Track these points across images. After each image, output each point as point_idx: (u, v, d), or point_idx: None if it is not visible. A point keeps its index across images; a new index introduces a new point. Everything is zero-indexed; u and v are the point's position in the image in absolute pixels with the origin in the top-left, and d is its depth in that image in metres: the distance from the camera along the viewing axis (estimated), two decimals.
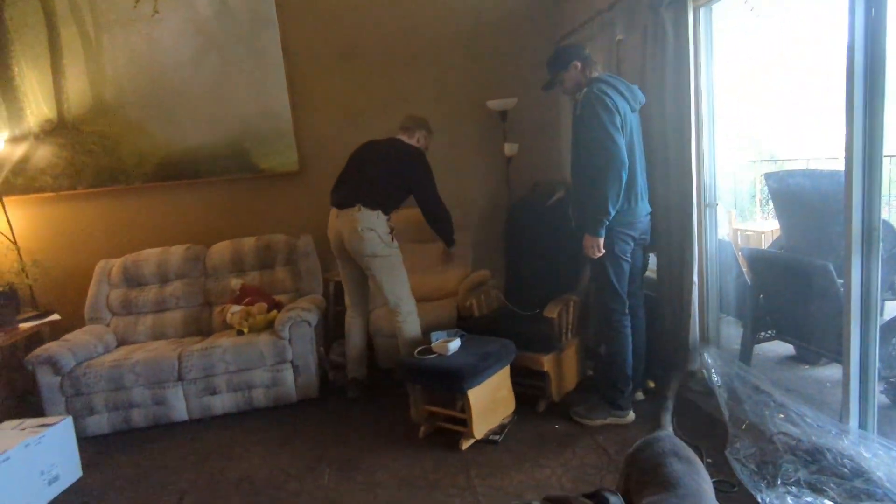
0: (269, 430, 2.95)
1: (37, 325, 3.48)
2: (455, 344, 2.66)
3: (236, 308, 3.30)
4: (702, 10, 2.61)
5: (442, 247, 3.24)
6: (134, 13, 3.66)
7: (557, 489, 2.20)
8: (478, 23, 3.96)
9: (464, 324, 3.13)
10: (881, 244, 1.89)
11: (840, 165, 1.95)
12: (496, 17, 3.95)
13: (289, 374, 3.13)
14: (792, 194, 2.81)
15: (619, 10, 2.98)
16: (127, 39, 3.69)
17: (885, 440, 1.89)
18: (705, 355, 2.66)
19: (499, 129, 3.89)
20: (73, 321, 3.56)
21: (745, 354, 2.83)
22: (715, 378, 2.52)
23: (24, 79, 3.65)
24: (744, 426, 2.25)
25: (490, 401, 2.63)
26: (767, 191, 3.03)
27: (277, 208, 3.97)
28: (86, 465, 2.69)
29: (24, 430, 2.50)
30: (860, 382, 1.98)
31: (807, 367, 2.90)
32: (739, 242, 3.63)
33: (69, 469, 2.60)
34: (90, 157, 3.77)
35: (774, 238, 3.26)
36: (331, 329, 3.61)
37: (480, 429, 2.57)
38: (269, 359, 3.09)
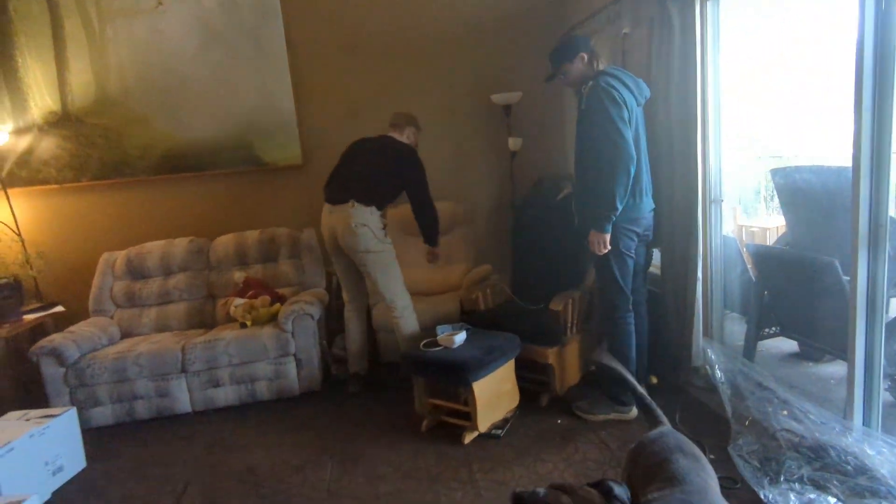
0: (272, 422, 2.96)
1: (41, 317, 3.49)
2: (461, 337, 2.67)
3: (240, 301, 3.31)
4: (709, 4, 2.58)
5: (427, 247, 3.21)
6: (138, 5, 3.66)
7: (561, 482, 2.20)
8: (482, 16, 3.93)
9: (468, 318, 3.14)
10: (888, 241, 1.87)
11: (847, 162, 1.93)
12: (501, 10, 3.93)
13: (292, 368, 3.14)
14: (798, 190, 2.79)
15: (625, 3, 2.96)
16: (131, 31, 3.68)
17: (889, 437, 1.88)
18: (709, 351, 2.65)
19: (503, 123, 3.87)
20: (77, 313, 3.57)
21: (749, 351, 2.82)
22: (718, 374, 2.52)
23: (27, 70, 3.65)
24: (747, 422, 2.25)
25: (494, 394, 2.64)
26: (773, 187, 3.01)
27: (281, 201, 3.97)
28: (90, 456, 2.71)
29: (28, 420, 2.52)
30: (865, 379, 1.98)
31: (810, 364, 2.89)
32: (744, 238, 3.62)
33: (73, 460, 2.62)
34: (94, 150, 3.77)
35: (780, 234, 3.24)
36: (333, 323, 3.61)
37: (484, 422, 2.58)
38: (272, 352, 3.09)
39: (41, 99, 3.68)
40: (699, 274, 2.71)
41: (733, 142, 2.83)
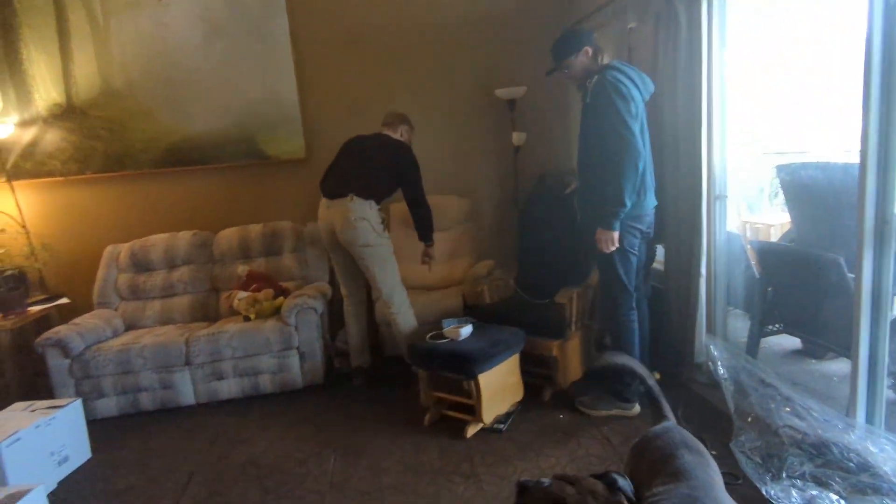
0: (275, 415, 2.98)
1: (46, 309, 3.51)
2: (467, 329, 2.68)
3: (243, 294, 3.32)
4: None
5: (423, 247, 3.21)
6: None
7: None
8: (487, 10, 3.92)
9: (472, 312, 3.15)
10: (894, 239, 1.86)
11: (853, 158, 1.92)
12: (506, 4, 3.91)
13: (295, 361, 3.15)
14: (804, 187, 2.78)
15: None
16: (135, 24, 3.68)
17: (892, 435, 1.88)
18: (711, 348, 2.65)
19: (507, 118, 3.86)
20: (82, 305, 3.59)
21: (752, 347, 2.82)
22: (721, 371, 2.51)
23: (32, 62, 3.65)
24: (749, 419, 2.25)
25: (499, 387, 2.65)
26: (779, 183, 2.99)
27: (284, 195, 3.97)
28: (95, 447, 2.73)
29: (34, 411, 2.54)
30: (868, 377, 1.97)
31: (814, 361, 2.89)
32: (749, 235, 3.61)
33: (79, 450, 2.64)
34: (98, 142, 3.78)
35: (784, 231, 3.23)
36: (336, 317, 3.62)
37: (489, 414, 2.59)
38: (275, 345, 3.10)
39: (46, 91, 3.68)
40: (703, 270, 2.70)
41: (738, 138, 2.82)
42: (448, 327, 2.72)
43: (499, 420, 2.65)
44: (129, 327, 3.47)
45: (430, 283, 3.66)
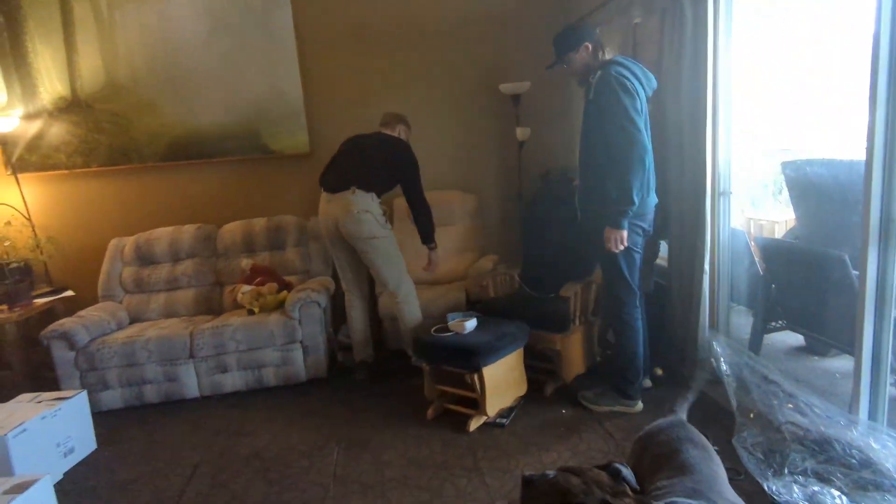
0: (279, 408, 2.99)
1: (51, 301, 3.53)
2: (472, 323, 2.69)
3: (247, 288, 3.33)
4: None
5: (426, 251, 3.20)
6: None
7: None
8: (492, 4, 3.90)
9: (475, 306, 3.16)
10: None
11: (859, 155, 1.91)
12: None
13: (298, 354, 3.17)
14: (809, 183, 2.77)
15: None
16: (139, 17, 3.68)
17: (894, 431, 1.88)
18: (714, 344, 2.65)
19: (511, 113, 3.85)
20: (87, 298, 3.61)
21: (755, 344, 2.82)
22: (724, 367, 2.51)
23: (37, 55, 3.65)
24: (751, 415, 2.25)
25: (503, 380, 2.66)
26: (784, 179, 2.99)
27: (288, 190, 3.97)
28: (100, 439, 2.75)
29: (40, 403, 2.56)
30: (871, 374, 1.98)
31: (817, 358, 2.89)
32: (753, 232, 3.60)
33: (84, 442, 2.66)
34: (103, 136, 3.79)
35: (789, 228, 3.23)
36: (340, 311, 3.63)
37: (492, 407, 2.60)
38: (278, 338, 3.12)
39: (51, 84, 3.69)
40: (706, 266, 2.70)
41: (743, 134, 2.81)
42: (453, 321, 2.73)
43: (502, 414, 2.67)
44: (134, 320, 3.49)
45: (434, 277, 3.66)
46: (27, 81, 3.68)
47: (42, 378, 3.34)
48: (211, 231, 3.72)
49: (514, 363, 2.72)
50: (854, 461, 1.87)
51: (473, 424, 2.58)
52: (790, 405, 2.18)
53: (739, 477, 2.04)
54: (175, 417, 2.98)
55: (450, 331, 2.70)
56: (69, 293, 3.68)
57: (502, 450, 2.42)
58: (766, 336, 2.85)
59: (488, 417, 2.61)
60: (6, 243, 3.63)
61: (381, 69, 3.93)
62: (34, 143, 3.74)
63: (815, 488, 1.85)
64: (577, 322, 2.92)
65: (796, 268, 2.73)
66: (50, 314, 3.47)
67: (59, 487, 2.36)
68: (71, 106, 3.72)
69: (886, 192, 1.85)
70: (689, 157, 2.70)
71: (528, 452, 2.38)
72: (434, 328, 2.77)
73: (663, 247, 3.07)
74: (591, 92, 2.43)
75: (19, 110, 3.70)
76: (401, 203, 3.76)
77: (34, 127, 3.72)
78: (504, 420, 2.63)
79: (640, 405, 2.64)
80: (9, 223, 3.66)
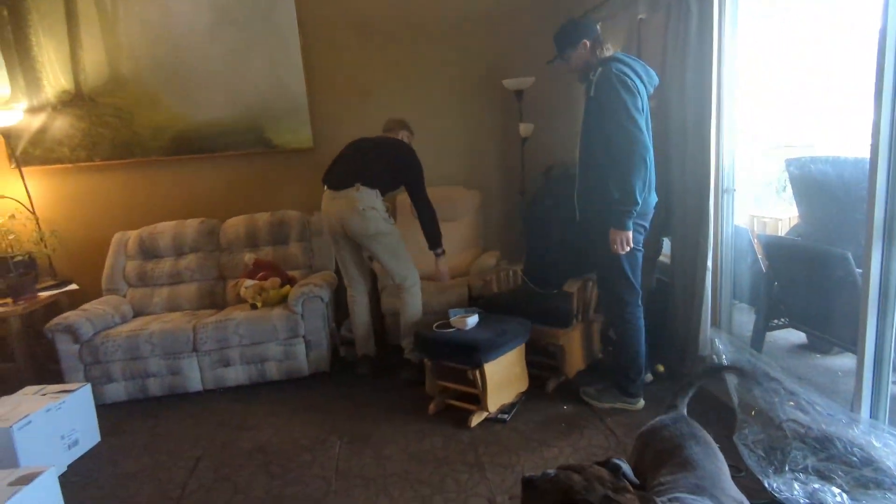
0: (282, 402, 3.01)
1: (55, 294, 3.55)
2: (473, 319, 2.69)
3: (250, 282, 3.34)
4: None
5: (434, 259, 3.20)
6: None
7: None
8: None
9: (479, 302, 3.16)
10: None
11: (864, 153, 1.91)
12: None
13: (301, 349, 3.18)
14: (813, 181, 2.76)
15: None
16: (143, 10, 3.67)
17: None
18: (716, 341, 2.66)
19: (515, 108, 3.84)
20: (90, 291, 3.63)
21: (757, 341, 2.82)
22: (725, 364, 2.52)
23: (41, 49, 3.66)
24: (753, 412, 2.25)
25: (505, 376, 2.66)
26: (788, 177, 2.98)
27: (291, 184, 3.98)
28: (104, 431, 2.77)
29: (45, 395, 2.57)
30: (874, 372, 1.97)
31: (819, 356, 2.89)
32: (756, 229, 3.59)
33: (88, 434, 2.68)
34: (107, 130, 3.79)
35: (792, 225, 3.22)
36: (342, 305, 3.64)
37: (494, 404, 2.61)
38: (281, 333, 3.13)
39: (54, 78, 3.69)
40: (709, 264, 2.70)
41: (747, 131, 2.80)
42: (455, 317, 2.74)
43: (503, 410, 2.67)
44: (137, 314, 3.51)
45: (434, 273, 3.66)
46: (31, 75, 3.68)
47: (46, 371, 3.36)
48: (214, 225, 3.73)
49: (515, 359, 2.73)
50: (855, 459, 1.87)
51: (475, 420, 2.59)
52: (791, 403, 2.18)
53: (740, 474, 2.05)
54: (178, 411, 3.00)
55: (451, 327, 2.71)
56: (73, 286, 3.70)
57: (504, 445, 2.42)
58: (768, 333, 2.84)
59: (489, 413, 2.62)
60: (10, 236, 3.64)
61: (384, 64, 3.92)
62: (38, 137, 3.75)
63: (816, 486, 1.85)
64: (580, 318, 2.92)
65: (799, 265, 2.73)
66: (54, 307, 3.49)
67: (64, 479, 2.38)
68: (74, 99, 3.73)
69: (891, 190, 1.84)
70: (692, 154, 2.69)
71: (530, 448, 2.39)
72: (436, 324, 2.77)
73: (666, 244, 3.07)
74: (591, 89, 2.40)
75: (23, 103, 3.70)
76: (403, 199, 3.76)
77: (38, 120, 3.73)
78: (505, 416, 2.64)
79: (641, 402, 2.64)
80: (13, 216, 3.67)
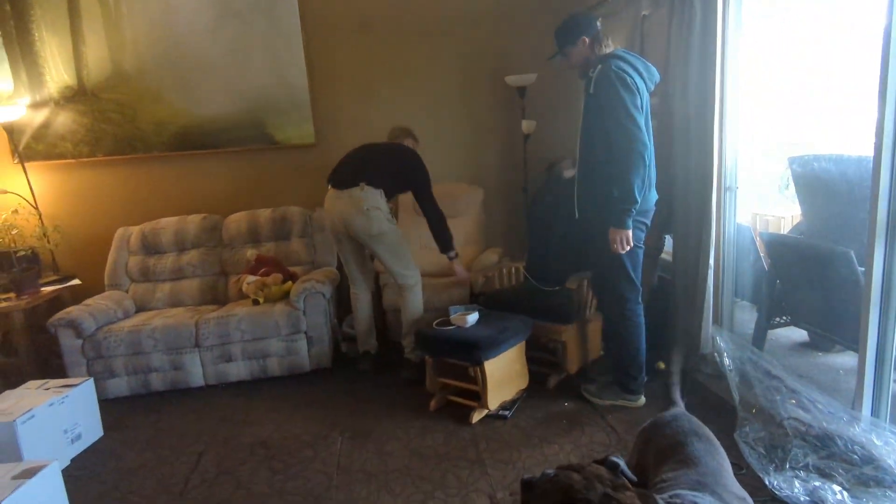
0: (283, 397, 3.02)
1: (58, 289, 3.56)
2: (473, 317, 2.70)
3: (252, 278, 3.35)
4: None
5: (449, 265, 3.21)
6: None
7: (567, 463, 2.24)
8: None
9: (480, 298, 3.16)
10: None
11: (867, 151, 1.90)
12: None
13: (303, 345, 3.19)
14: (816, 179, 2.75)
15: None
16: (146, 6, 3.67)
17: None
18: (718, 338, 2.66)
19: (517, 105, 3.83)
20: (93, 286, 3.64)
21: (759, 339, 2.82)
22: (727, 361, 2.52)
23: (44, 44, 3.65)
24: (754, 410, 2.26)
25: (505, 374, 2.67)
26: (790, 174, 2.97)
27: (293, 180, 3.98)
28: (107, 426, 2.78)
29: (48, 389, 2.58)
30: (875, 370, 1.97)
31: (820, 354, 2.89)
32: (759, 227, 3.59)
33: (91, 428, 2.69)
34: (109, 125, 3.79)
35: (795, 223, 3.21)
36: (344, 301, 3.65)
37: (494, 401, 2.61)
38: (283, 329, 3.14)
39: (57, 73, 3.69)
40: (711, 261, 2.70)
41: (750, 129, 2.79)
42: (455, 314, 2.74)
43: (504, 407, 2.68)
44: (140, 309, 3.52)
45: (438, 270, 3.67)
46: (33, 70, 3.69)
47: (49, 365, 3.37)
48: (216, 221, 3.74)
49: (515, 357, 2.73)
50: (856, 457, 1.88)
51: (476, 417, 2.60)
52: (793, 401, 2.18)
53: (741, 471, 2.05)
54: (180, 406, 3.01)
55: (451, 324, 2.71)
56: (76, 282, 3.71)
57: (504, 442, 2.43)
58: (769, 331, 2.84)
59: (490, 410, 2.62)
60: (14, 231, 3.65)
61: (387, 60, 3.92)
62: (41, 132, 3.75)
63: (817, 483, 1.86)
64: (582, 314, 2.92)
65: (801, 263, 2.72)
66: (57, 302, 3.50)
67: (67, 473, 2.39)
68: (77, 95, 3.73)
69: (894, 189, 1.83)
70: (695, 152, 2.69)
71: (531, 445, 2.40)
72: (436, 321, 2.78)
73: (668, 241, 3.07)
74: (591, 86, 2.38)
75: (26, 99, 3.71)
76: (405, 197, 3.76)
77: (41, 116, 3.73)
78: (507, 412, 2.64)
79: (642, 400, 2.64)
80: (16, 211, 3.68)
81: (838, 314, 2.49)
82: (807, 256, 2.70)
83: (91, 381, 2.75)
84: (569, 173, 3.02)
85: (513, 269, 3.37)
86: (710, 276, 2.71)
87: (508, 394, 2.72)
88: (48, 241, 3.71)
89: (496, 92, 3.96)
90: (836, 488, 1.82)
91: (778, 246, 2.86)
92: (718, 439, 2.24)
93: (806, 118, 3.12)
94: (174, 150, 3.86)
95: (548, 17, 3.81)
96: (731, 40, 2.57)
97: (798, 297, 2.78)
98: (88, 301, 3.28)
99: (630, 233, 2.36)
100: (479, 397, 2.62)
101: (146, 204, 3.89)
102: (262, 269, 3.40)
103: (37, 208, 3.77)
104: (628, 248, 2.38)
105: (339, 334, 3.55)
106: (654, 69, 2.43)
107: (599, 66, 2.34)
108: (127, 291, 3.59)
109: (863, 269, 2.03)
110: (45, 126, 3.75)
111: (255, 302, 3.28)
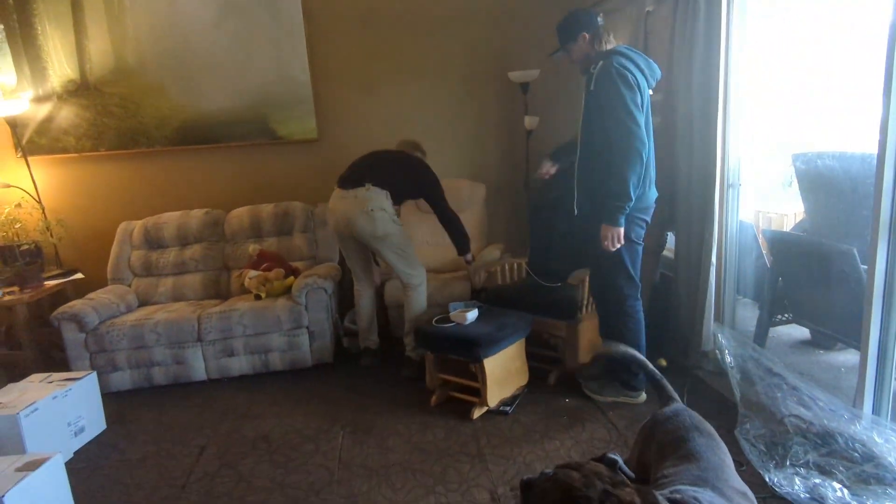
0: (285, 392, 3.03)
1: (61, 283, 3.57)
2: (473, 314, 2.70)
3: (254, 273, 3.35)
4: None
5: (466, 268, 3.26)
6: None
7: (565, 461, 2.24)
8: None
9: (481, 295, 3.17)
10: None
11: (871, 149, 1.89)
12: None
13: (304, 339, 3.20)
14: (820, 176, 2.74)
15: None
16: (149, 0, 3.67)
17: None
18: (719, 336, 2.66)
19: (520, 101, 3.83)
20: (96, 280, 3.65)
21: (760, 337, 2.82)
22: (728, 359, 2.52)
23: (47, 38, 3.65)
24: (755, 407, 2.26)
25: (505, 371, 2.67)
26: (794, 172, 2.96)
27: (296, 175, 3.98)
28: (110, 419, 2.80)
29: (51, 383, 2.60)
30: (877, 368, 1.97)
31: (822, 351, 2.88)
32: (761, 224, 3.58)
33: (94, 422, 2.71)
34: (112, 119, 3.80)
35: (798, 221, 3.20)
36: (346, 296, 3.65)
37: (493, 398, 2.62)
38: (285, 324, 3.14)
39: (60, 67, 3.70)
40: (713, 258, 2.69)
41: (753, 126, 2.78)
42: (454, 311, 2.74)
43: (505, 402, 2.68)
44: (142, 303, 3.53)
45: (440, 266, 3.68)
46: (36, 64, 3.69)
47: (52, 359, 3.39)
48: (218, 216, 3.74)
49: (515, 353, 2.74)
50: (856, 455, 1.88)
51: (476, 413, 2.60)
52: (794, 398, 2.18)
53: (741, 468, 2.05)
54: (183, 399, 3.02)
55: (451, 321, 2.71)
56: (79, 275, 3.72)
57: (505, 437, 2.44)
58: (771, 329, 2.84)
59: (489, 407, 2.63)
60: (17, 225, 3.66)
61: (390, 55, 3.91)
62: (44, 126, 3.76)
63: (817, 481, 1.86)
64: (584, 310, 2.92)
65: (804, 261, 2.72)
66: (60, 296, 3.51)
67: (70, 466, 2.40)
68: (80, 89, 3.73)
69: None
70: (698, 148, 2.68)
71: (531, 440, 2.40)
72: (435, 318, 2.78)
73: (670, 238, 3.06)
74: (591, 83, 2.37)
75: (29, 93, 3.71)
76: None
77: (44, 110, 3.74)
78: (508, 408, 2.65)
79: (643, 396, 2.65)
80: (19, 205, 3.69)
81: (840, 312, 2.49)
82: (809, 254, 2.70)
83: (94, 374, 2.76)
84: (545, 168, 2.91)
85: (515, 265, 3.37)
86: (713, 273, 2.70)
87: (508, 390, 2.72)
88: (51, 235, 3.72)
89: (499, 88, 3.95)
90: (837, 485, 1.82)
91: (780, 243, 2.85)
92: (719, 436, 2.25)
93: (809, 115, 3.10)
94: (177, 145, 3.86)
95: (551, 12, 3.79)
96: (735, 36, 2.56)
97: (800, 295, 2.78)
98: (91, 295, 3.30)
99: (622, 230, 2.35)
100: (479, 393, 2.62)
101: (149, 198, 3.90)
102: (265, 264, 3.40)
103: (40, 202, 3.78)
104: (618, 245, 2.37)
105: (341, 329, 3.56)
106: (655, 66, 2.42)
107: (601, 63, 2.33)
108: (130, 286, 3.60)
109: (865, 266, 2.03)
110: (48, 120, 3.75)
111: (258, 297, 3.29)
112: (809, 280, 2.69)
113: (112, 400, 2.98)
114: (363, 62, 3.90)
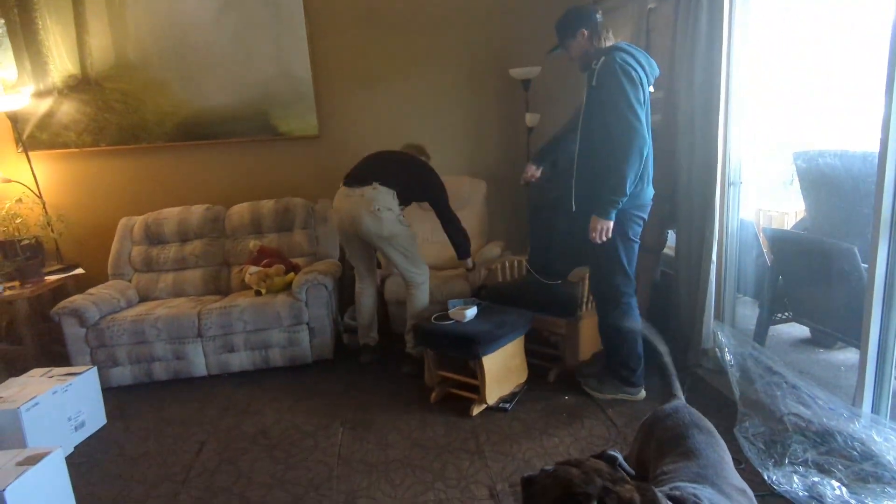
0: (285, 388, 3.03)
1: (62, 279, 3.57)
2: (472, 311, 2.70)
3: (254, 269, 3.36)
4: None
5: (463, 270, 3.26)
6: None
7: (565, 458, 2.25)
8: None
9: (482, 292, 3.17)
10: None
11: (873, 147, 1.89)
12: None
13: (304, 336, 3.20)
14: (821, 175, 2.74)
15: None
16: None
17: None
18: (719, 334, 2.66)
19: (521, 98, 3.82)
20: (96, 276, 3.65)
21: (760, 335, 2.82)
22: (728, 357, 2.52)
23: (48, 32, 3.65)
24: (754, 405, 2.26)
25: (504, 368, 2.67)
26: (795, 170, 2.96)
27: (296, 172, 3.98)
28: (110, 414, 2.80)
29: (52, 377, 2.60)
30: (877, 367, 1.97)
31: (822, 350, 2.89)
32: (762, 222, 3.58)
33: (94, 416, 2.71)
34: (113, 115, 3.79)
35: (799, 219, 3.20)
36: (346, 293, 3.66)
37: (493, 395, 2.62)
38: (285, 320, 3.15)
39: (61, 62, 3.69)
40: (714, 256, 2.69)
41: (754, 124, 2.77)
42: (453, 309, 2.74)
43: (504, 399, 2.69)
44: (143, 299, 3.53)
45: (441, 263, 3.68)
46: (37, 59, 3.68)
47: (53, 354, 3.39)
48: (219, 212, 3.74)
49: (514, 351, 2.74)
50: (855, 453, 1.88)
51: (476, 409, 2.61)
52: (793, 396, 2.18)
53: (740, 466, 2.05)
54: (183, 395, 3.03)
55: (450, 318, 2.71)
56: (79, 271, 3.72)
57: (505, 434, 2.44)
58: (771, 327, 2.84)
59: (488, 404, 2.63)
60: (18, 220, 3.67)
61: (390, 52, 3.90)
62: (45, 121, 3.76)
63: (815, 479, 1.86)
64: (586, 308, 2.92)
65: (805, 259, 2.72)
66: (61, 291, 3.52)
67: (70, 460, 2.40)
68: (81, 84, 3.73)
69: None
70: (699, 146, 2.67)
71: (531, 437, 2.41)
72: (434, 315, 2.78)
73: (671, 236, 3.06)
74: (593, 79, 2.36)
75: (30, 87, 3.71)
76: None
77: (44, 105, 3.74)
78: (507, 405, 2.65)
79: (642, 393, 2.65)
80: (20, 200, 3.69)
81: (840, 311, 2.49)
82: (810, 252, 2.70)
83: (94, 369, 2.77)
84: (530, 171, 2.91)
85: (515, 263, 3.37)
86: (713, 272, 2.70)
87: (508, 388, 2.73)
88: (52, 231, 3.72)
89: (500, 85, 3.95)
90: (835, 484, 1.82)
91: (781, 241, 2.85)
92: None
93: (811, 114, 3.10)
94: (178, 141, 3.86)
95: (552, 9, 3.77)
96: (737, 34, 2.55)
97: (800, 293, 2.78)
98: (92, 290, 3.30)
99: (611, 224, 2.36)
100: (479, 390, 2.63)
101: (149, 194, 3.90)
102: (265, 260, 3.41)
103: (41, 197, 3.78)
104: (606, 238, 2.38)
105: (341, 326, 3.57)
106: (654, 62, 2.41)
107: (603, 59, 2.32)
108: (130, 281, 3.60)
109: (866, 265, 2.02)
110: (48, 115, 3.75)
111: (258, 293, 3.29)
112: (810, 278, 2.69)
113: (112, 395, 2.98)
114: (364, 59, 3.90)
